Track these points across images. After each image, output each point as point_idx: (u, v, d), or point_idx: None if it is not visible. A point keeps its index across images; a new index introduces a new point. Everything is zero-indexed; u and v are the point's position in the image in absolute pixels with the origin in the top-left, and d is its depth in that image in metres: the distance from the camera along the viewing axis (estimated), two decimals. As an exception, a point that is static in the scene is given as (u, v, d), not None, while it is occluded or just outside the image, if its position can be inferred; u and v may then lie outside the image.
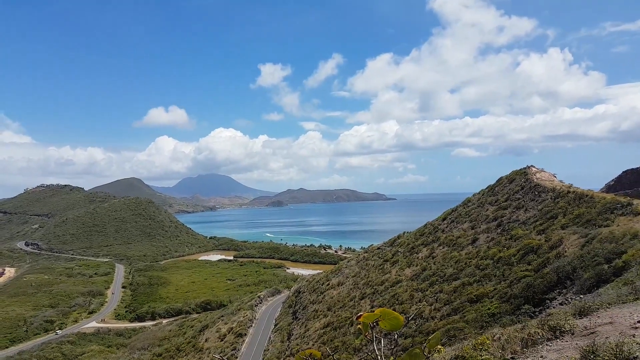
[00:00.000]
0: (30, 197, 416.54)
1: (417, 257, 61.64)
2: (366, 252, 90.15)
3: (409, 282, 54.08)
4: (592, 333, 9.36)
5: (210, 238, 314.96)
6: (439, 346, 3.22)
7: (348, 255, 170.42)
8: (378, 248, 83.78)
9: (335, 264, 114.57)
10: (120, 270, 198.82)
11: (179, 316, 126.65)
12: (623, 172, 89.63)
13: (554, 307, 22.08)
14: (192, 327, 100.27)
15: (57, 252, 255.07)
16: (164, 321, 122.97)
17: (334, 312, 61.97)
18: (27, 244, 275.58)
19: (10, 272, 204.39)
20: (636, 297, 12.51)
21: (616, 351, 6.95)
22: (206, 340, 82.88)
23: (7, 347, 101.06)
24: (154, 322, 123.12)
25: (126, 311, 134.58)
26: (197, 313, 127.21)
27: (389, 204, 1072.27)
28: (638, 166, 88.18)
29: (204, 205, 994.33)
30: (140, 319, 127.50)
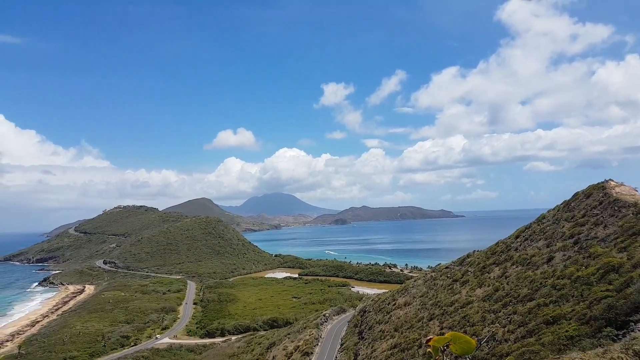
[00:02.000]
0: (108, 218, 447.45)
1: (489, 277, 59.34)
2: (434, 272, 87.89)
3: (481, 303, 52.19)
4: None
5: (276, 256, 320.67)
6: None
7: (414, 275, 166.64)
8: (446, 267, 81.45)
9: (401, 283, 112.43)
10: (191, 287, 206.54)
11: (247, 333, 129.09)
12: None
13: (639, 330, 20.68)
14: (259, 344, 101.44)
15: (132, 270, 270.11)
16: (233, 338, 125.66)
17: (401, 333, 60.92)
18: (105, 262, 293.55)
19: (90, 289, 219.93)
20: None
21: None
22: (273, 358, 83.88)
23: None
24: (223, 339, 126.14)
25: (197, 327, 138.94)
26: (264, 330, 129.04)
27: (457, 222, 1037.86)
28: None
29: (269, 223, 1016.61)
30: (210, 335, 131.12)
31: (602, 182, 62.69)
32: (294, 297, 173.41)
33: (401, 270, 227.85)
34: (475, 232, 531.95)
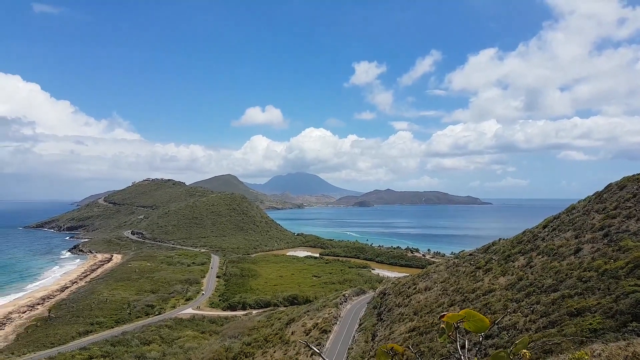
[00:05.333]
0: (137, 190, 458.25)
1: (513, 266, 58.58)
2: (457, 258, 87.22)
3: (503, 292, 51.69)
4: None
5: (298, 234, 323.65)
6: (525, 351, 3.20)
7: (436, 260, 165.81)
8: (470, 254, 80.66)
9: (423, 268, 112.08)
10: (215, 261, 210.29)
11: (267, 308, 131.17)
12: None
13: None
14: (279, 319, 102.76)
15: (159, 242, 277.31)
16: (254, 312, 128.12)
17: (421, 317, 61.00)
18: (133, 233, 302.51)
19: (117, 258, 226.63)
20: None
21: None
22: (292, 333, 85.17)
23: (112, 327, 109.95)
24: (244, 312, 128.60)
25: (219, 300, 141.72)
26: (284, 306, 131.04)
27: (484, 209, 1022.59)
28: None
29: (292, 202, 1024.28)
30: (232, 308, 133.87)
31: (638, 174, 60.48)
32: (314, 276, 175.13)
33: (423, 255, 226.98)
34: (502, 221, 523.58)
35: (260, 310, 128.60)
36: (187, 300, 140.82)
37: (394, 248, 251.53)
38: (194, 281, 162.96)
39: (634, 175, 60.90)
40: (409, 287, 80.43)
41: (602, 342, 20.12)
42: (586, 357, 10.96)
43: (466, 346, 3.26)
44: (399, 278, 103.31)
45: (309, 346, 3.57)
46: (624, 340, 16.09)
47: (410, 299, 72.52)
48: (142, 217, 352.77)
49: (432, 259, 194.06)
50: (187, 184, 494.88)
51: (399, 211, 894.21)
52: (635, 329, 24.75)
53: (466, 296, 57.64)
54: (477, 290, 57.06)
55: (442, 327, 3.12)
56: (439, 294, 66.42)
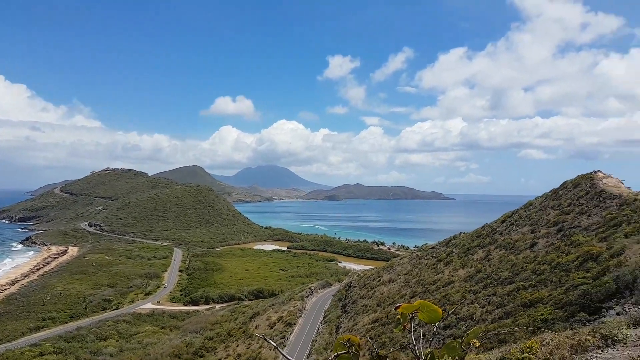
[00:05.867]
0: (96, 180, 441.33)
1: (472, 259, 60.27)
2: (420, 251, 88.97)
3: (462, 283, 53.11)
4: (642, 343, 9.19)
5: (266, 228, 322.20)
6: (475, 340, 3.29)
7: (401, 253, 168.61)
8: (432, 247, 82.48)
9: (388, 261, 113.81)
10: (178, 255, 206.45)
11: (232, 302, 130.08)
12: None
13: (610, 317, 21.19)
14: (243, 313, 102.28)
15: (118, 234, 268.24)
16: (217, 306, 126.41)
17: (383, 308, 61.96)
18: (90, 225, 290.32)
19: (73, 250, 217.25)
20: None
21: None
22: (256, 327, 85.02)
23: (66, 323, 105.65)
24: (207, 307, 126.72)
25: (181, 294, 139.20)
26: (249, 300, 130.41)
27: (447, 204, 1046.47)
28: None
29: (261, 195, 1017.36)
30: (194, 302, 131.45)
31: (591, 173, 63.20)
32: (281, 270, 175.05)
33: (388, 248, 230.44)
34: (464, 215, 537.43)
35: (224, 305, 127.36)
36: (147, 294, 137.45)
37: (361, 241, 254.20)
38: (155, 275, 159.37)
39: (587, 174, 63.61)
40: (373, 280, 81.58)
41: (552, 332, 20.96)
42: (536, 346, 11.44)
43: (421, 336, 3.25)
44: (365, 271, 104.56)
45: (265, 339, 3.54)
46: (572, 329, 16.78)
47: (374, 291, 73.58)
48: (100, 208, 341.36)
49: (397, 252, 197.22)
50: (149, 174, 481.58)
51: (367, 205, 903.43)
52: (582, 319, 25.91)
53: (427, 288, 58.92)
54: (438, 282, 58.43)
55: (398, 318, 3.19)
56: (402, 286, 67.64)
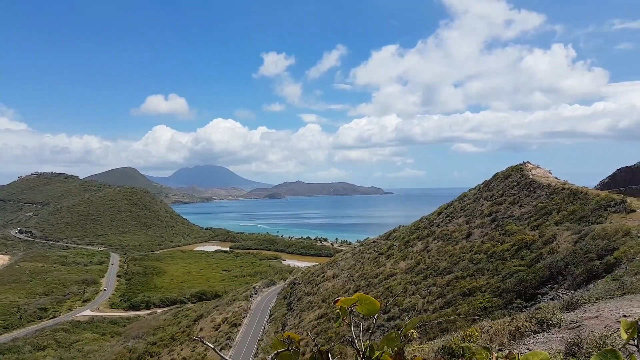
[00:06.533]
0: (24, 185, 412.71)
1: (412, 251, 61.98)
2: (362, 245, 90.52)
3: (403, 275, 54.44)
4: (578, 326, 9.54)
5: (206, 229, 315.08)
6: (412, 331, 3.27)
7: (344, 248, 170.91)
8: (374, 241, 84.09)
9: (331, 257, 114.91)
10: (115, 260, 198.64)
11: (174, 306, 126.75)
12: (617, 169, 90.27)
13: (545, 302, 22.33)
14: (186, 316, 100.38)
15: (51, 241, 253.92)
16: (159, 310, 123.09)
17: (329, 304, 62.25)
18: (21, 232, 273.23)
19: (3, 259, 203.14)
20: (623, 292, 12.72)
21: (599, 343, 7.09)
22: (200, 329, 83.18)
23: (0, 334, 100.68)
24: (148, 312, 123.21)
25: (121, 300, 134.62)
26: (192, 303, 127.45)
27: (386, 198, 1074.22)
28: (632, 164, 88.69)
29: (200, 196, 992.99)
30: (135, 308, 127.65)
31: (521, 164, 67.06)
32: (224, 270, 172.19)
33: (331, 244, 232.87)
34: (403, 209, 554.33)
35: (167, 309, 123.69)
36: (85, 301, 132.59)
37: (304, 238, 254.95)
38: (92, 281, 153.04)
39: (517, 165, 67.42)
40: (317, 276, 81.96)
41: (491, 319, 21.74)
42: (476, 334, 11.68)
43: (361, 329, 3.16)
44: (309, 267, 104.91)
45: (202, 342, 3.21)
46: (509, 316, 17.36)
47: (319, 287, 73.88)
48: (30, 214, 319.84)
49: (340, 248, 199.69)
50: (81, 177, 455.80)
51: (308, 202, 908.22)
52: (520, 305, 27.20)
53: (370, 281, 59.90)
54: (380, 275, 59.56)
55: (337, 312, 3.06)
56: (346, 281, 68.37)
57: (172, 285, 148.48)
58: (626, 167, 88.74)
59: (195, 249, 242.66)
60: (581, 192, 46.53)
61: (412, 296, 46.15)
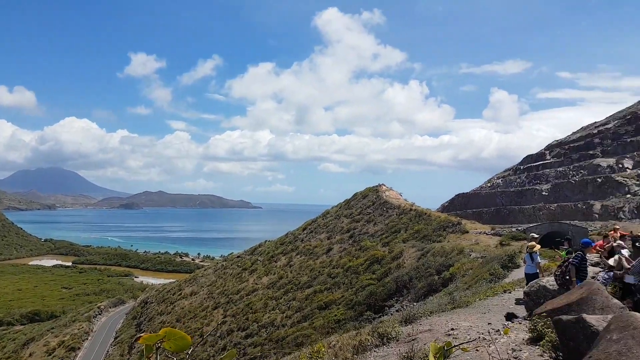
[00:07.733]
0: None
1: (276, 266, 62.21)
2: (225, 261, 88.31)
3: (265, 291, 54.20)
4: (414, 340, 10.15)
5: (46, 240, 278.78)
6: None
7: (206, 264, 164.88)
8: (238, 256, 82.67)
9: (191, 273, 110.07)
10: None
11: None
12: (456, 195, 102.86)
13: (391, 314, 23.88)
14: (14, 340, 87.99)
15: None
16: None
17: (183, 323, 59.14)
18: None
19: None
20: (453, 306, 14.06)
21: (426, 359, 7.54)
22: (30, 354, 73.29)
23: None
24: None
25: None
26: (21, 325, 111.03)
27: (255, 212, 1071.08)
28: (468, 191, 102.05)
29: (41, 202, 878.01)
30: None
31: (377, 186, 72.48)
32: (64, 288, 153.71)
33: (192, 259, 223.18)
34: (270, 224, 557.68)
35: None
36: None
37: (162, 253, 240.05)
38: None
39: (373, 187, 72.70)
40: (173, 294, 77.71)
41: (344, 332, 22.49)
42: (323, 349, 11.81)
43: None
44: (165, 285, 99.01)
45: None
46: (356, 329, 18.04)
47: (174, 306, 70.00)
48: None
49: (202, 263, 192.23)
50: None
51: (171, 214, 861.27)
52: (369, 317, 28.77)
53: (231, 297, 58.48)
54: (242, 291, 58.53)
55: (142, 350, 2.55)
56: (205, 298, 65.79)
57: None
58: (463, 193, 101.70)
59: (30, 263, 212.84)
60: (425, 214, 51.74)
61: (272, 311, 46.07)
